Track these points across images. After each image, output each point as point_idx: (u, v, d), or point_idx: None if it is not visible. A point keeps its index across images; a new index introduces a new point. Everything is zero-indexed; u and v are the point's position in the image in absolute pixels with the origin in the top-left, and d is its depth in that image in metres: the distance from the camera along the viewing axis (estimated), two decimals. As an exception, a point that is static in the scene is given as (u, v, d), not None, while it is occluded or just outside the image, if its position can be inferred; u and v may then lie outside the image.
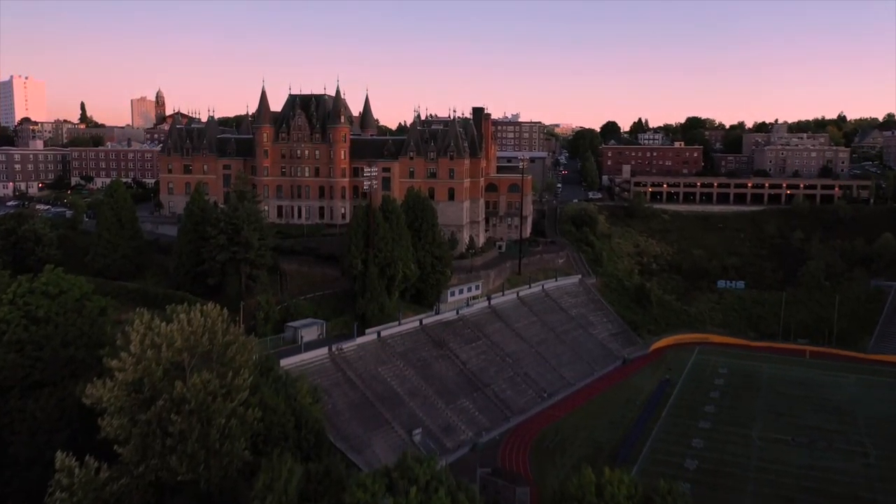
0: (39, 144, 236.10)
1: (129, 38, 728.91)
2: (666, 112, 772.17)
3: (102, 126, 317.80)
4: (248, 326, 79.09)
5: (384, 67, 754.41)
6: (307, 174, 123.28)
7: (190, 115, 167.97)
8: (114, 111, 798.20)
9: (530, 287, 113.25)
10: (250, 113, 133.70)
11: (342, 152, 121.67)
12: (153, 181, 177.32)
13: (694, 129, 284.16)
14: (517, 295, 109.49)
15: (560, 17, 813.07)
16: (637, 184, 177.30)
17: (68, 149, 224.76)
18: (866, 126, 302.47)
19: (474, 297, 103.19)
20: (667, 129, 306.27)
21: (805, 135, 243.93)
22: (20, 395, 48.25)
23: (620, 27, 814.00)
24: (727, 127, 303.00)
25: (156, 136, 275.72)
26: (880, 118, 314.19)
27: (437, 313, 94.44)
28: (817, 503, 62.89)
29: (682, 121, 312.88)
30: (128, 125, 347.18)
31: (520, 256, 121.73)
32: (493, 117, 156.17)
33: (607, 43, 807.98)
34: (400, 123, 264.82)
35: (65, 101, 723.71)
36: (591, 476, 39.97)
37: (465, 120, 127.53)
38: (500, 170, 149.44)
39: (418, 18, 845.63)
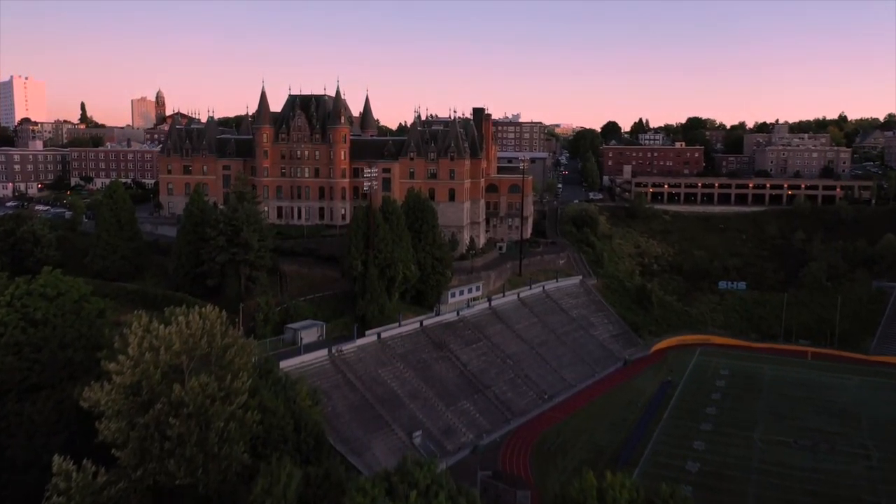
0: (39, 145, 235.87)
1: (129, 38, 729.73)
2: (666, 112, 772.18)
3: (103, 126, 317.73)
4: (248, 328, 78.82)
5: (384, 67, 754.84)
6: (307, 175, 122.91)
7: (190, 115, 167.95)
8: (114, 111, 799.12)
9: (531, 288, 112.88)
10: (250, 113, 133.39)
11: (342, 153, 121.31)
12: (153, 182, 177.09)
13: (695, 129, 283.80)
14: (518, 296, 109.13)
15: (560, 17, 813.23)
16: (638, 184, 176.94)
17: (68, 149, 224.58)
18: (867, 126, 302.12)
19: (475, 299, 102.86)
20: (667, 130, 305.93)
21: (806, 135, 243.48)
22: (17, 398, 47.91)
23: (621, 27, 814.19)
24: (728, 127, 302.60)
25: (156, 136, 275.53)
26: (881, 118, 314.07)
27: (438, 315, 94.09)
28: (820, 506, 62.59)
29: (683, 121, 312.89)
30: (128, 125, 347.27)
31: (520, 257, 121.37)
32: (493, 117, 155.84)
33: (608, 43, 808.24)
34: (400, 123, 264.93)
35: (65, 102, 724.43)
36: (593, 480, 39.61)
37: (466, 120, 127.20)
38: (500, 170, 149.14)
39: (418, 18, 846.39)
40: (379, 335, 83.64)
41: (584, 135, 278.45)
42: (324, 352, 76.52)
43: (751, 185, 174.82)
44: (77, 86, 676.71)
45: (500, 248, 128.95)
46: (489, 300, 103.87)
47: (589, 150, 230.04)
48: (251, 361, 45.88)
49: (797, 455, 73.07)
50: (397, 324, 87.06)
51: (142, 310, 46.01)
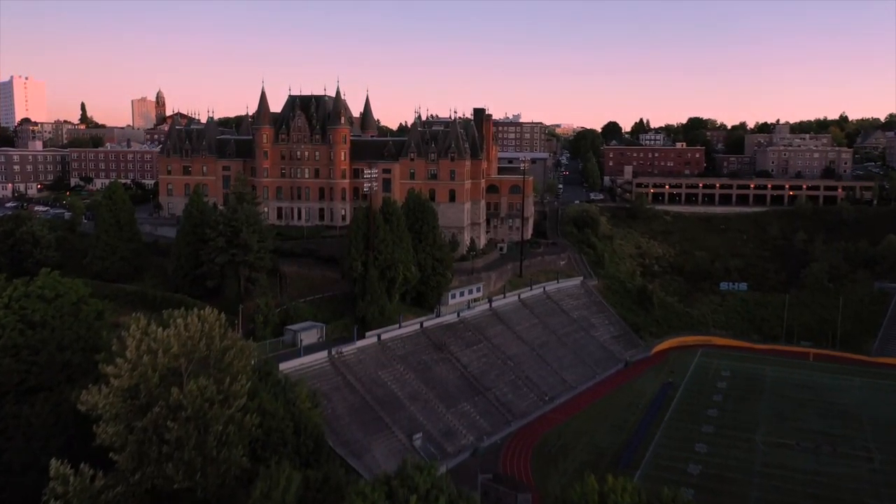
0: (38, 145, 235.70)
1: (129, 38, 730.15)
2: (667, 112, 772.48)
3: (103, 127, 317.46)
4: (247, 329, 78.55)
5: (384, 67, 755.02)
6: (307, 175, 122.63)
7: (190, 115, 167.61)
8: (114, 111, 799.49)
9: (531, 289, 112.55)
10: (250, 114, 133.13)
11: (342, 153, 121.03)
12: (153, 182, 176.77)
13: (695, 129, 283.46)
14: (518, 297, 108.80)
15: (560, 17, 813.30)
16: (639, 185, 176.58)
17: (67, 150, 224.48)
18: (868, 126, 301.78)
19: (475, 300, 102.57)
20: (668, 130, 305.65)
21: (807, 135, 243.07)
22: (15, 401, 47.63)
23: (621, 27, 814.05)
24: (729, 127, 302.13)
25: (156, 136, 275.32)
26: (882, 118, 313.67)
27: (438, 316, 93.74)
28: (822, 509, 62.28)
29: (684, 121, 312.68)
30: (128, 126, 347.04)
31: (521, 258, 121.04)
32: (493, 118, 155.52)
33: (608, 43, 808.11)
34: (401, 123, 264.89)
35: (65, 102, 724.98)
36: (594, 484, 39.20)
37: (466, 121, 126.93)
38: (501, 171, 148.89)
39: (418, 18, 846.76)
40: (379, 337, 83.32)
41: (584, 135, 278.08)
42: (324, 353, 76.20)
43: (752, 186, 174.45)
44: (77, 86, 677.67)
45: (501, 249, 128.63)
46: (490, 301, 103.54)
47: (590, 150, 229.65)
48: (250, 364, 45.62)
49: (799, 457, 72.69)
50: (397, 325, 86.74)
51: (141, 311, 45.92)
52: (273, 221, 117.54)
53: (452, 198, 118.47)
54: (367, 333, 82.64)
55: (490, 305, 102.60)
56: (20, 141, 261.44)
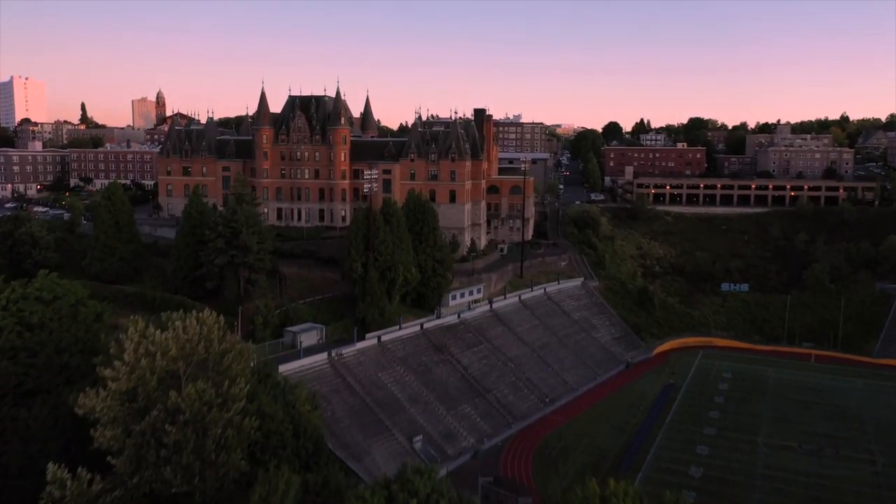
0: (38, 146, 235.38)
1: (129, 38, 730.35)
2: (668, 112, 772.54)
3: (103, 127, 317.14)
4: (247, 331, 78.26)
5: (384, 67, 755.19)
6: (307, 176, 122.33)
7: (190, 115, 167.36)
8: (115, 112, 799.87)
9: (532, 290, 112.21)
10: (250, 114, 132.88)
11: (342, 154, 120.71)
12: (153, 183, 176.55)
13: (696, 129, 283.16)
14: (519, 298, 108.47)
15: (560, 17, 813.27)
16: (640, 185, 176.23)
17: (67, 150, 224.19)
18: (869, 126, 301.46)
19: (476, 301, 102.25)
20: (669, 130, 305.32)
21: (808, 136, 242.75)
22: (13, 404, 47.23)
23: (621, 27, 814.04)
24: (730, 128, 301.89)
25: (156, 136, 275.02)
26: (883, 118, 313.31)
27: (439, 317, 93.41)
28: (825, 512, 61.92)
29: (685, 121, 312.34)
30: (129, 126, 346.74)
31: (521, 259, 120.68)
32: (494, 118, 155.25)
33: (608, 43, 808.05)
34: (401, 123, 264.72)
35: (65, 102, 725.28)
36: (596, 488, 38.87)
37: (467, 121, 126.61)
38: (501, 171, 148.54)
39: (418, 18, 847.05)
40: (379, 338, 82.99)
41: (585, 135, 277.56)
42: (323, 355, 75.86)
43: (753, 187, 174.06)
44: (77, 86, 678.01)
45: (502, 250, 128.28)
46: (490, 302, 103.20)
47: (590, 150, 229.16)
48: (249, 367, 45.22)
49: (802, 460, 72.35)
50: (398, 327, 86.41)
51: (140, 313, 45.55)
52: (273, 222, 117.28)
53: (453, 198, 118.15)
54: (368, 335, 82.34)
55: (490, 307, 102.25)
56: (20, 141, 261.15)
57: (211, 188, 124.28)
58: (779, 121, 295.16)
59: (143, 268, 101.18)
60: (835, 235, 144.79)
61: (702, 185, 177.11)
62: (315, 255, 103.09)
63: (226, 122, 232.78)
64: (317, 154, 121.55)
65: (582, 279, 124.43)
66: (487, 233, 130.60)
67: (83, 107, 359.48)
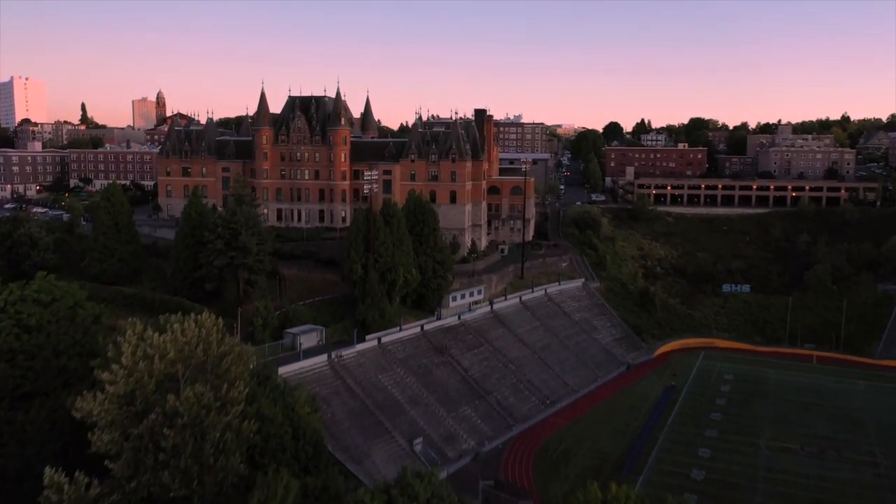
0: (38, 146, 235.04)
1: (129, 38, 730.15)
2: (668, 112, 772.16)
3: (103, 127, 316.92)
4: (246, 333, 77.95)
5: (384, 67, 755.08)
6: (307, 177, 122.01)
7: (190, 116, 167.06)
8: (115, 112, 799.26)
9: (533, 291, 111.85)
10: (250, 114, 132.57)
11: (342, 155, 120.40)
12: (152, 183, 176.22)
13: (697, 130, 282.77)
14: (520, 299, 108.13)
15: (560, 17, 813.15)
16: (641, 186, 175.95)
17: (67, 151, 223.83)
18: (871, 126, 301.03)
19: (476, 302, 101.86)
20: (670, 130, 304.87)
21: (810, 136, 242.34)
22: (10, 407, 46.98)
23: (621, 27, 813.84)
24: (730, 128, 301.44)
25: (156, 137, 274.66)
26: (884, 119, 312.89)
27: (439, 319, 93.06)
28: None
29: (685, 121, 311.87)
30: (129, 126, 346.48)
31: (522, 260, 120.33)
32: (495, 118, 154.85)
33: (608, 43, 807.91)
34: (401, 124, 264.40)
35: (65, 102, 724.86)
36: (597, 492, 38.55)
37: (467, 121, 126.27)
38: (502, 172, 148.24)
39: (418, 18, 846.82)
40: (379, 340, 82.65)
41: (586, 135, 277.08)
42: (323, 357, 75.54)
43: (754, 187, 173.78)
44: (77, 86, 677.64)
45: (502, 251, 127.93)
46: (491, 304, 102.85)
47: (591, 151, 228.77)
48: (248, 369, 44.95)
49: (804, 462, 71.96)
50: (398, 328, 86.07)
51: (139, 314, 45.32)
52: (272, 223, 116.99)
53: (453, 199, 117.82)
54: (368, 337, 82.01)
55: (491, 308, 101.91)
56: (20, 141, 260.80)
57: (211, 189, 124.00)
58: (780, 121, 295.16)
59: (142, 269, 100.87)
60: (836, 236, 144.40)
61: (703, 186, 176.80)
62: (315, 257, 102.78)
63: (226, 123, 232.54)
64: (317, 155, 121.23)
65: (583, 280, 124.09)
66: (488, 234, 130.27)
67: (83, 107, 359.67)
